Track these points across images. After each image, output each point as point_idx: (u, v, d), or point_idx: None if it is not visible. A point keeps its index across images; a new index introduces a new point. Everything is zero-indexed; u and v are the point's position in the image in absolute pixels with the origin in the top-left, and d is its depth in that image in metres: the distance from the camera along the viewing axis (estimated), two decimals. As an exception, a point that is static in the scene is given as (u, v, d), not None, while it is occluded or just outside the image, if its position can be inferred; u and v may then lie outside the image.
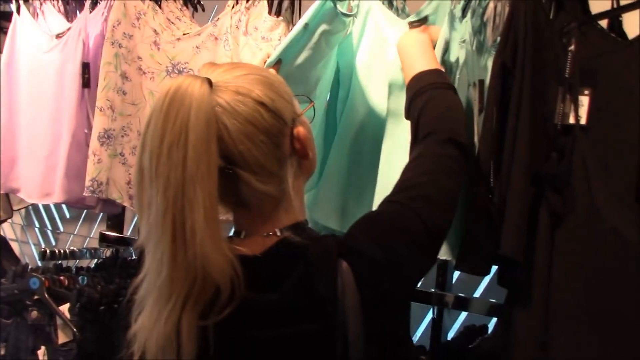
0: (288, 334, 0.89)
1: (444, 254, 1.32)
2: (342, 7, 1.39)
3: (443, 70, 1.26)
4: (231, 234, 1.00)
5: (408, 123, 1.23)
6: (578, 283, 1.19)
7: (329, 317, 0.88)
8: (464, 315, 2.12)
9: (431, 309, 1.95)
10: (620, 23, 1.44)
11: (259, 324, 0.89)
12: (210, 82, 0.88)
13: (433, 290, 1.89)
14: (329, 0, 1.36)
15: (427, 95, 1.16)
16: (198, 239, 0.83)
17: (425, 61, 1.25)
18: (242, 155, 0.89)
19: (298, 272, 0.90)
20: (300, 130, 0.96)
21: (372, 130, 1.45)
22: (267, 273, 0.91)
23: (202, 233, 0.83)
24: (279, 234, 0.94)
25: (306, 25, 1.35)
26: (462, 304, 1.87)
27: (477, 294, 2.14)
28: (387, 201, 1.02)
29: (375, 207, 1.05)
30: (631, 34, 1.33)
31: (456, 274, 2.07)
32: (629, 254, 1.16)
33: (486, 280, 2.13)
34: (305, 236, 0.94)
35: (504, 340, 1.24)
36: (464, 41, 1.35)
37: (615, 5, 1.43)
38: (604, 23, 1.42)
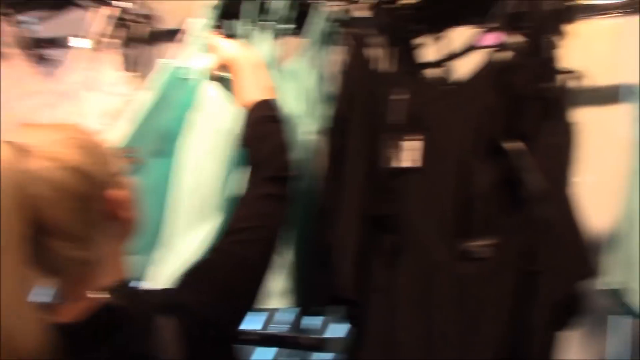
0: None
1: (278, 303, 1.36)
2: (186, 73, 1.42)
3: (275, 98, 1.24)
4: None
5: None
6: (411, 318, 1.26)
7: None
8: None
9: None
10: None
11: None
12: (19, 147, 0.84)
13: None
14: (175, 68, 1.38)
15: (256, 129, 1.17)
16: (3, 312, 0.76)
17: (258, 87, 1.24)
18: (51, 222, 0.85)
19: (117, 333, 0.89)
20: (113, 192, 0.93)
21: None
22: (86, 338, 0.89)
23: (8, 306, 0.77)
24: (98, 296, 0.91)
25: (157, 93, 1.36)
26: (318, 345, 1.91)
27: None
28: (210, 249, 1.05)
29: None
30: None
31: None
32: (451, 286, 1.24)
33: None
34: (125, 296, 0.92)
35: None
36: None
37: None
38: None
